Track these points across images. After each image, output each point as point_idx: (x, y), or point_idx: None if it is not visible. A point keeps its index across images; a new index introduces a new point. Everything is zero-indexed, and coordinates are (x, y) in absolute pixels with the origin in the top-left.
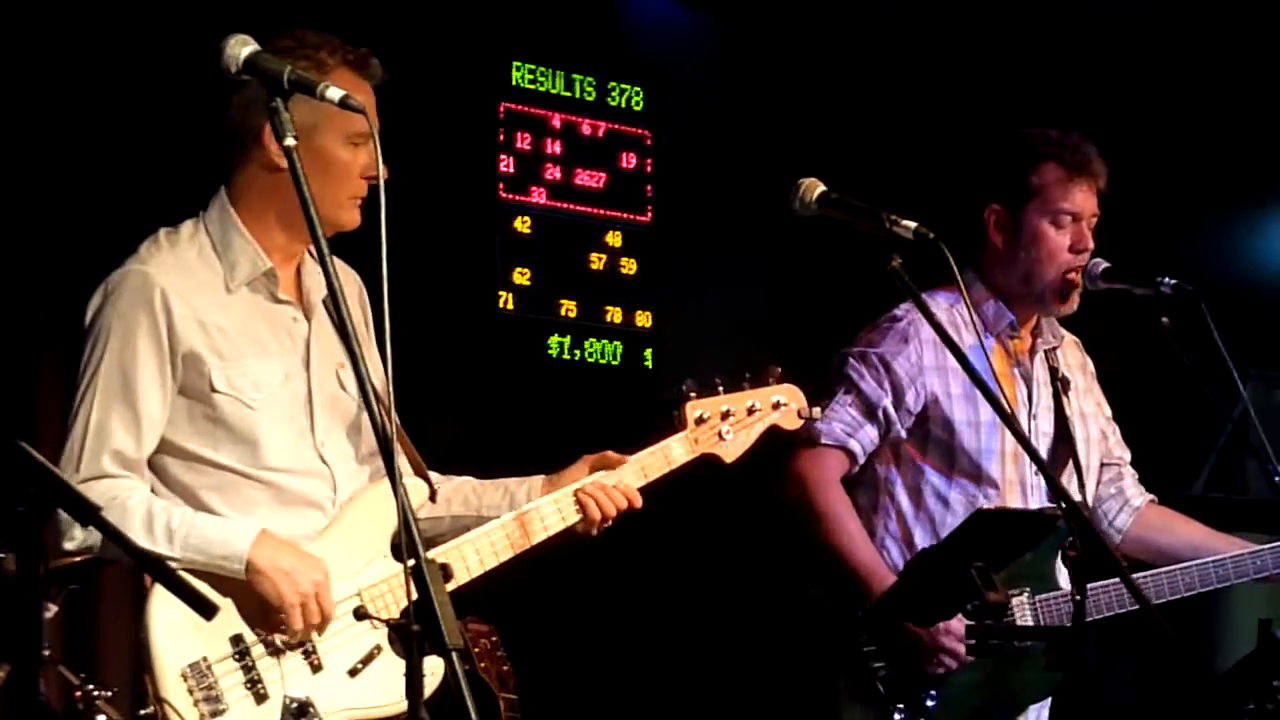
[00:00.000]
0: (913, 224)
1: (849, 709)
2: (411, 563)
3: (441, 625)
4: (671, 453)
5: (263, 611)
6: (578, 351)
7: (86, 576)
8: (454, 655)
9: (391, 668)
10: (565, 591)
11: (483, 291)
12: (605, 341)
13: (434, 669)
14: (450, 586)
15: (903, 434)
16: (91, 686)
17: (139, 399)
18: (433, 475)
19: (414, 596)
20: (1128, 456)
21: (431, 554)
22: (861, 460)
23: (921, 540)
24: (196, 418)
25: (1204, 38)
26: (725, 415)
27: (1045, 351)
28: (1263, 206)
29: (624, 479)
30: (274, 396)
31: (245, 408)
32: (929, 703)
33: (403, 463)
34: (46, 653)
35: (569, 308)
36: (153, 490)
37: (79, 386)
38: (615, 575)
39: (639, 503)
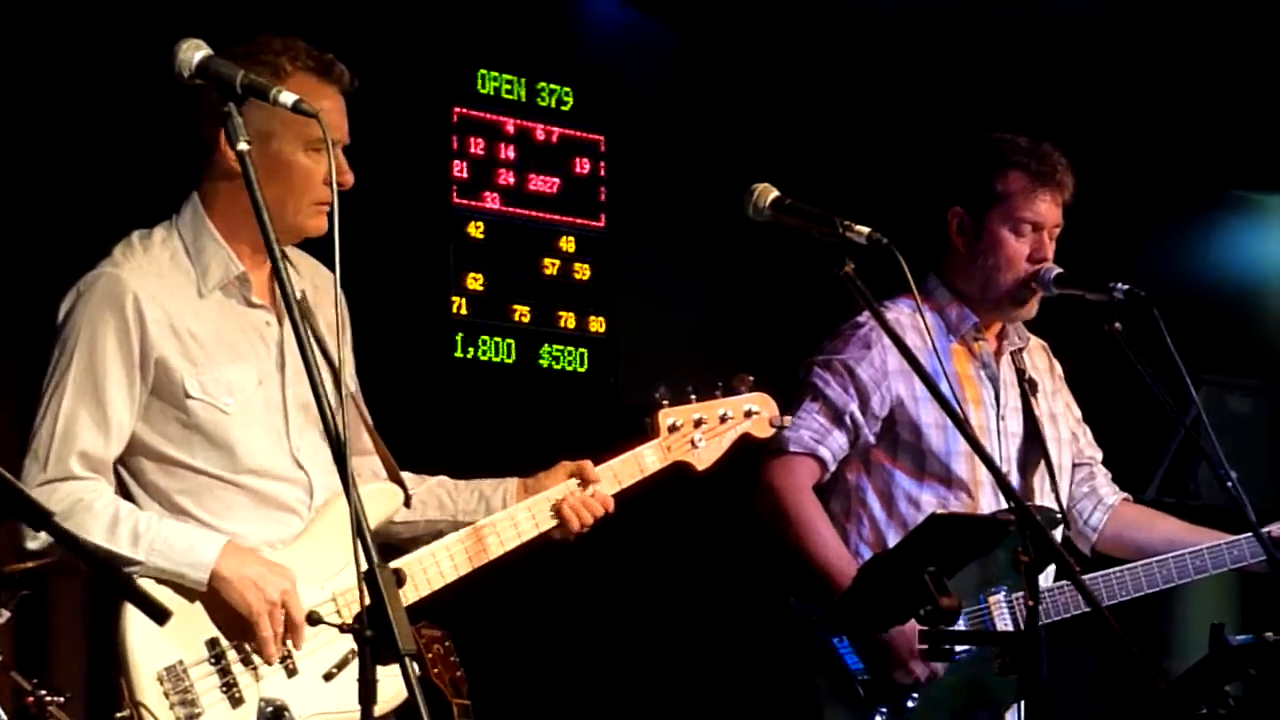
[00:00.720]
0: (866, 229)
1: (831, 712)
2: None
3: (395, 630)
4: (645, 460)
5: (232, 620)
6: (531, 357)
7: (38, 582)
8: (407, 660)
9: None
10: (523, 596)
11: (435, 296)
12: (558, 347)
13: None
14: (411, 599)
15: (871, 439)
16: (44, 692)
17: (107, 401)
18: (407, 476)
19: (367, 602)
20: (1099, 456)
21: (395, 563)
22: (832, 467)
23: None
24: (171, 422)
25: (1157, 44)
26: (698, 423)
27: (1011, 353)
28: (1216, 212)
29: (599, 487)
30: (248, 401)
31: (220, 413)
32: (910, 704)
33: (377, 467)
34: None
35: (522, 313)
36: (129, 494)
37: (46, 386)
38: (581, 582)
39: (612, 508)
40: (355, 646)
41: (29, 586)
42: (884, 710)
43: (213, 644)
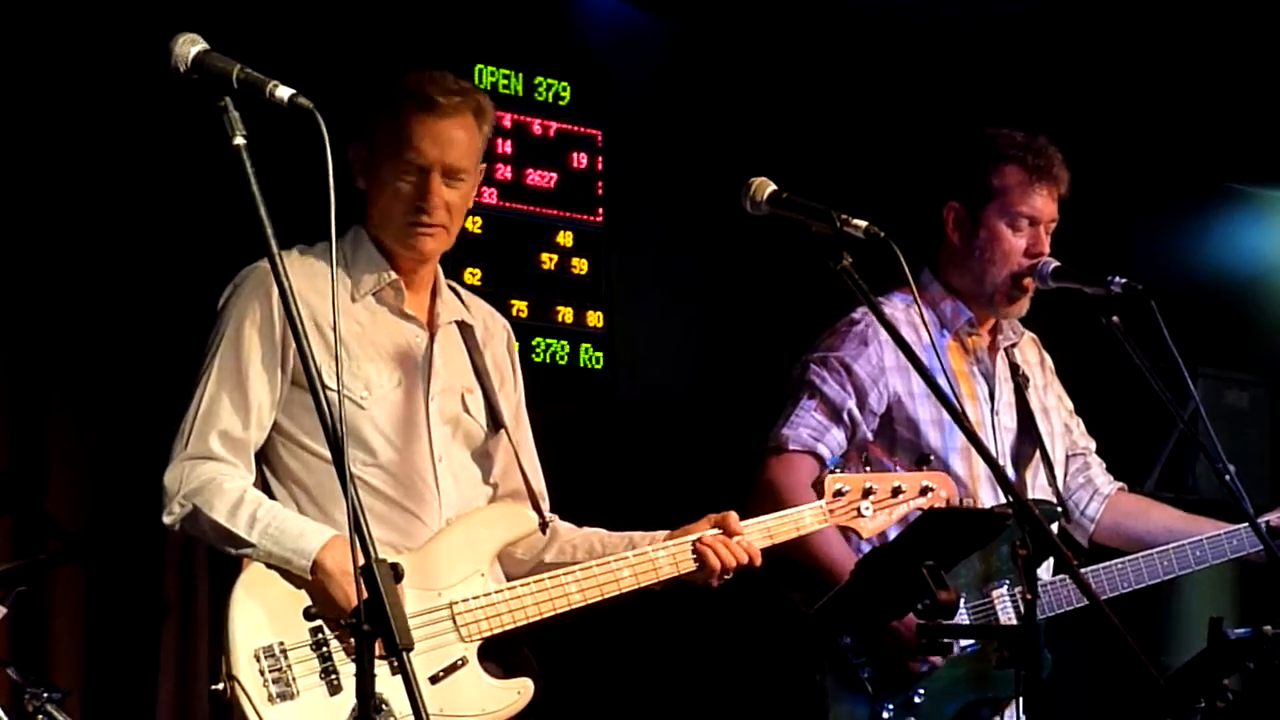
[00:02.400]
0: (863, 223)
1: (837, 707)
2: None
3: (392, 624)
4: (803, 520)
5: (328, 611)
6: (529, 351)
7: (35, 578)
8: (405, 655)
9: (476, 682)
10: None
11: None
12: (556, 341)
13: (523, 688)
14: (530, 618)
15: (869, 435)
16: (41, 689)
17: (249, 384)
18: (562, 523)
19: (364, 596)
20: (1093, 446)
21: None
22: (830, 465)
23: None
24: (308, 412)
25: (1155, 37)
26: (867, 493)
27: (1005, 348)
28: (1213, 206)
29: (749, 538)
30: (383, 398)
31: (355, 405)
32: (917, 699)
33: (513, 486)
34: None
35: (520, 307)
36: (265, 482)
37: (198, 373)
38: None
39: (759, 561)
40: (469, 655)
41: (26, 583)
42: (890, 705)
43: (317, 631)
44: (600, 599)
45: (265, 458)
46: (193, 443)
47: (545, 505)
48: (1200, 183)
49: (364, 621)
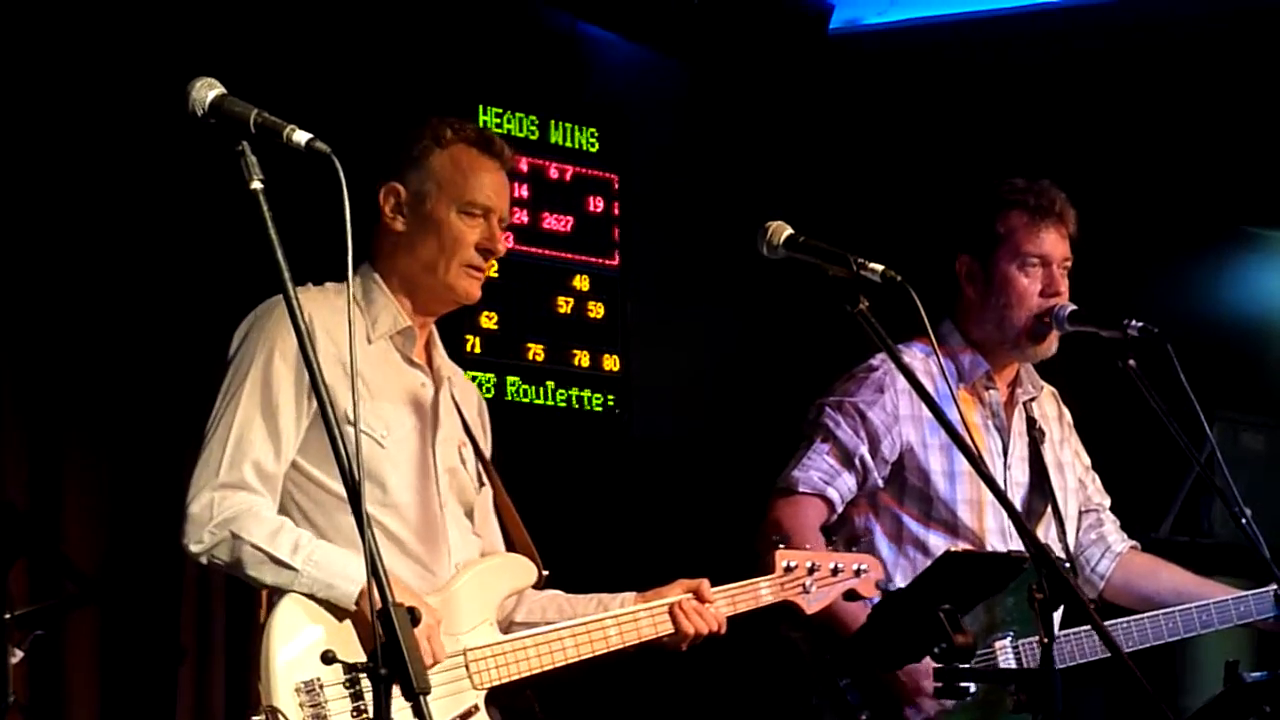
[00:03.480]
0: (880, 267)
1: None
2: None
3: (409, 668)
4: (760, 593)
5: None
6: (545, 395)
7: (52, 622)
8: (422, 699)
9: None
10: None
11: (450, 335)
12: (572, 385)
13: None
14: (521, 673)
15: (879, 483)
16: None
17: (279, 415)
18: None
19: (382, 639)
20: (1108, 503)
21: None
22: (839, 508)
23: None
24: (327, 450)
25: (1169, 80)
26: (811, 570)
27: (1024, 402)
28: (1229, 248)
29: (715, 606)
30: (403, 441)
31: (376, 445)
32: None
33: (492, 542)
34: (13, 699)
35: (536, 351)
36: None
37: (220, 401)
38: None
39: (724, 629)
40: (479, 702)
41: (43, 627)
42: None
43: (350, 668)
44: (591, 655)
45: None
46: (225, 471)
47: (538, 560)
48: (1216, 226)
49: (381, 665)
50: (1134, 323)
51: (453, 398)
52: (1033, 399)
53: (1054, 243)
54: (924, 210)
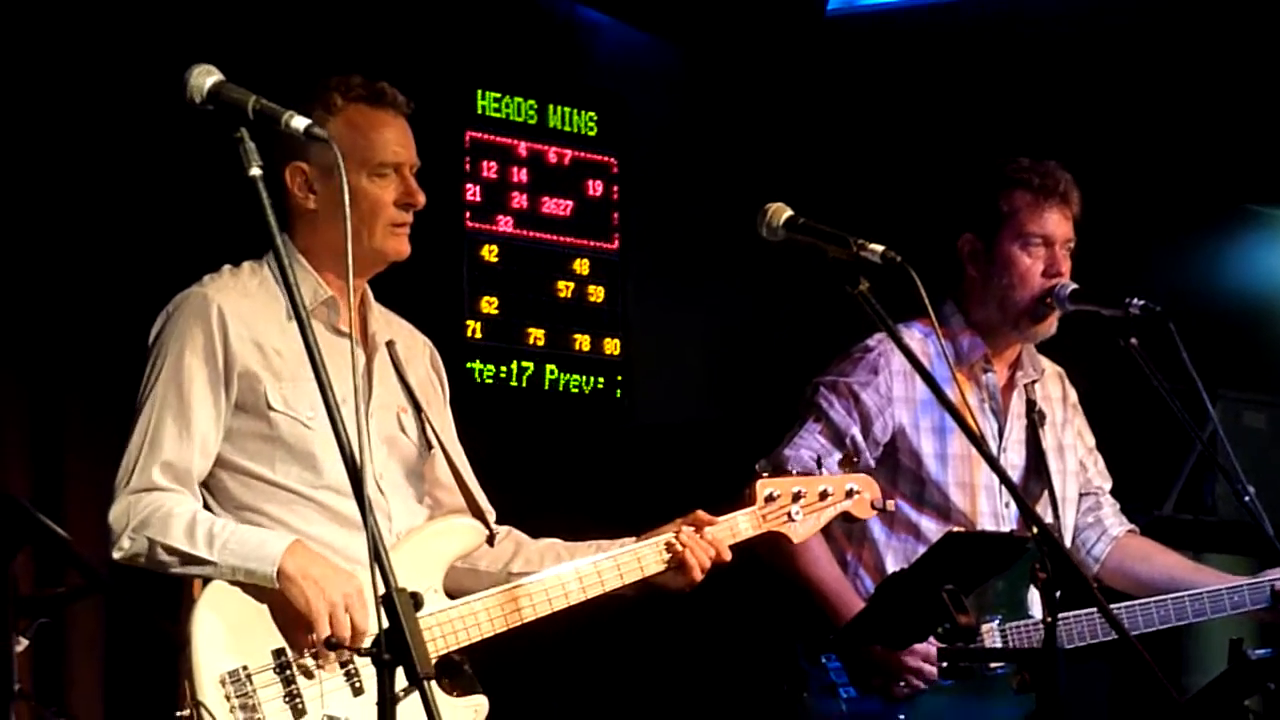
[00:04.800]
0: (880, 247)
1: None
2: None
3: (414, 654)
4: (738, 526)
5: (297, 625)
6: (546, 379)
7: (56, 610)
8: (427, 684)
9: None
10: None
11: (451, 320)
12: (573, 369)
13: (479, 706)
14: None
15: (870, 464)
16: None
17: (191, 412)
18: (520, 533)
19: (385, 625)
20: (1108, 486)
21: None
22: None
23: (894, 568)
24: (253, 437)
25: (1172, 59)
26: (796, 497)
27: (1024, 385)
28: (1231, 227)
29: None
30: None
31: (302, 426)
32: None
33: (454, 503)
34: (17, 687)
35: (537, 336)
36: (210, 508)
37: (138, 404)
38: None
39: (727, 557)
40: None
41: (47, 614)
42: None
43: (279, 653)
44: (583, 599)
45: (209, 488)
46: (136, 476)
47: (491, 518)
48: (1218, 204)
49: (385, 651)
50: (1136, 301)
51: (393, 361)
52: (1034, 381)
53: (1057, 223)
54: (924, 191)
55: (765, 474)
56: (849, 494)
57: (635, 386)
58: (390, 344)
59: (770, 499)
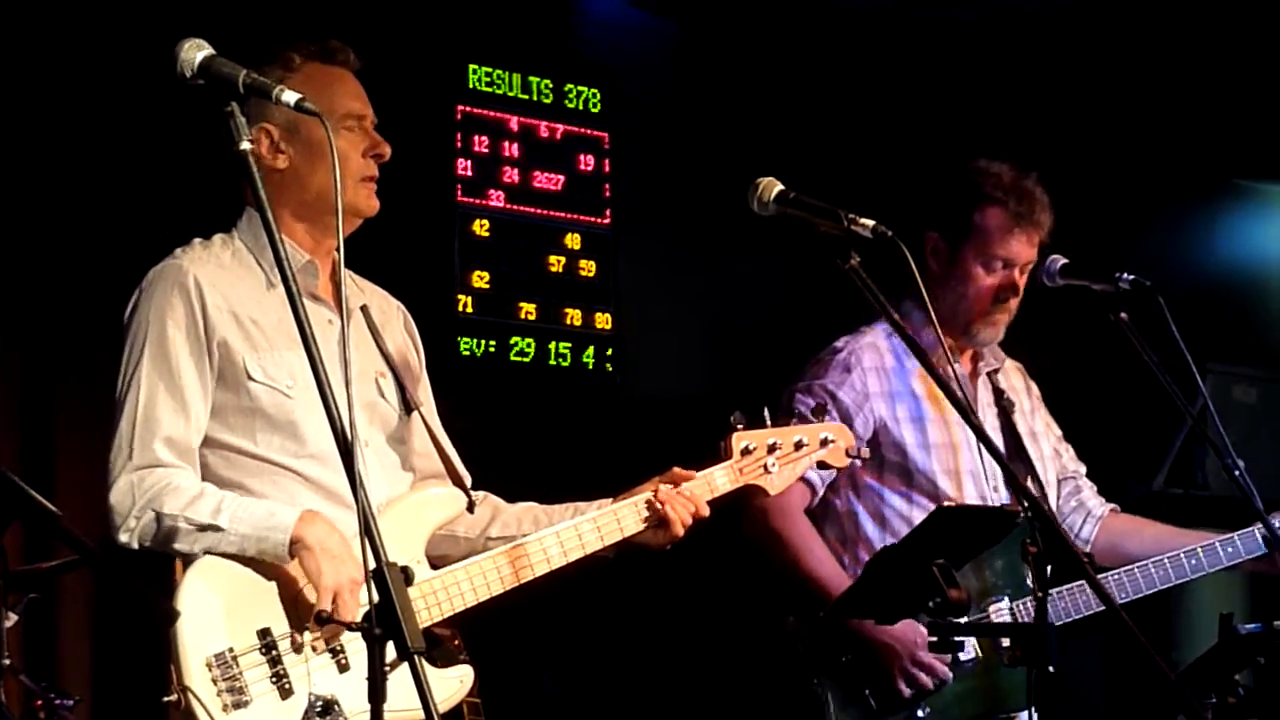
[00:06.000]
0: (871, 222)
1: None
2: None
3: (404, 628)
4: (715, 481)
5: (294, 602)
6: (538, 354)
7: (47, 585)
8: (417, 659)
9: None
10: (531, 592)
11: (441, 295)
12: (565, 344)
13: (464, 676)
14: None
15: (857, 463)
16: (53, 695)
17: (184, 385)
18: (496, 498)
19: (376, 599)
20: (1083, 470)
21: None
22: (820, 490)
23: None
24: (233, 410)
25: (1160, 32)
26: (772, 449)
27: (987, 374)
28: (1220, 201)
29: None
30: (309, 386)
31: (282, 395)
32: (920, 714)
33: (433, 468)
34: (7, 662)
35: (529, 310)
36: None
37: (122, 380)
38: (592, 581)
39: (706, 512)
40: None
41: (37, 590)
42: None
43: (264, 634)
44: (564, 563)
45: None
46: (137, 453)
47: (468, 483)
48: (1207, 179)
49: (376, 625)
50: (1125, 276)
51: (369, 325)
52: (996, 370)
53: (1023, 248)
54: (893, 188)
55: (740, 426)
56: (824, 443)
57: (627, 361)
58: (364, 308)
59: (746, 452)
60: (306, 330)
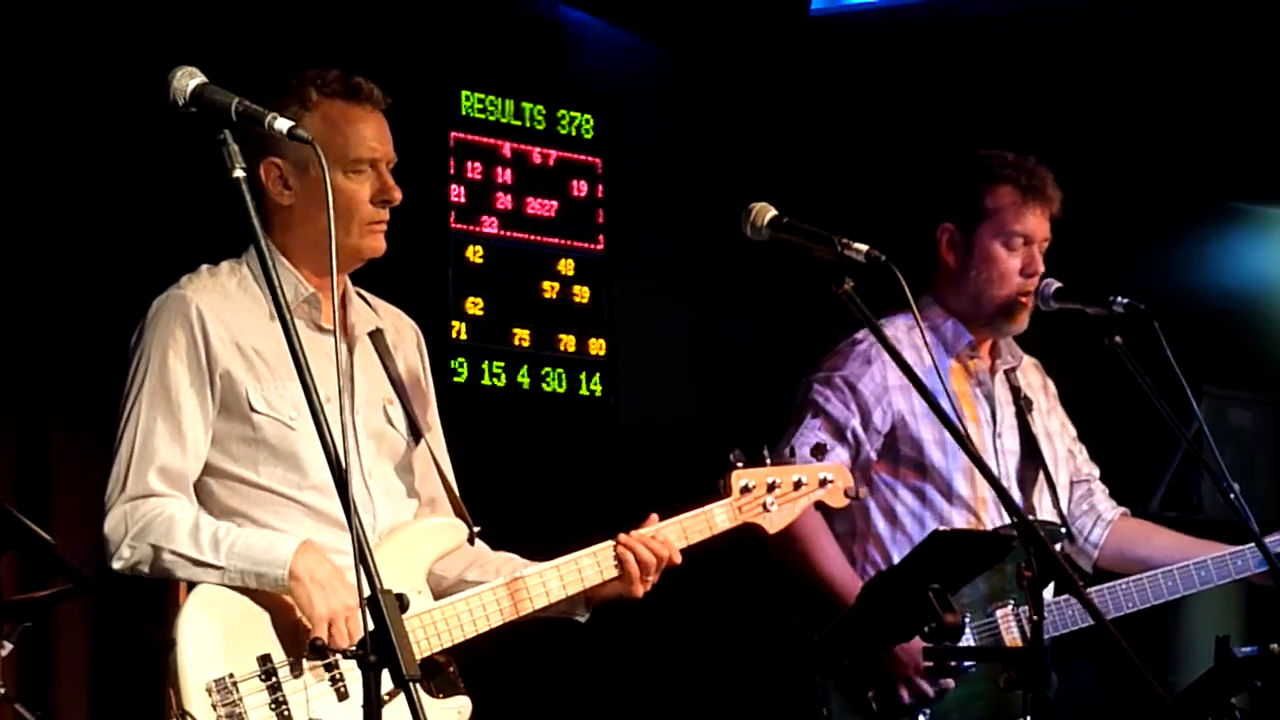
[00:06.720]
0: (864, 247)
1: None
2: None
3: (399, 655)
4: (714, 519)
5: (294, 630)
6: (532, 380)
7: (41, 613)
8: (413, 686)
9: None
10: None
11: (435, 321)
12: (559, 369)
13: (462, 707)
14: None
15: (873, 455)
16: None
17: (182, 415)
18: (482, 545)
19: (371, 627)
20: (1097, 472)
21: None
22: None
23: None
24: (236, 440)
25: (1156, 56)
26: (771, 487)
27: (1005, 371)
28: (1215, 224)
29: (663, 533)
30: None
31: (284, 427)
32: (921, 718)
33: (435, 496)
34: (1, 690)
35: (522, 336)
36: None
37: (122, 409)
38: (582, 629)
39: (678, 559)
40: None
41: (32, 618)
42: None
43: (265, 660)
44: (530, 612)
45: (196, 493)
46: (131, 483)
47: (467, 515)
48: (1201, 201)
49: (370, 653)
50: (1120, 299)
51: (379, 352)
52: (1013, 368)
53: (1038, 222)
54: (905, 182)
55: (739, 464)
56: (823, 483)
57: (621, 387)
58: (374, 334)
59: (745, 490)
60: (301, 361)
